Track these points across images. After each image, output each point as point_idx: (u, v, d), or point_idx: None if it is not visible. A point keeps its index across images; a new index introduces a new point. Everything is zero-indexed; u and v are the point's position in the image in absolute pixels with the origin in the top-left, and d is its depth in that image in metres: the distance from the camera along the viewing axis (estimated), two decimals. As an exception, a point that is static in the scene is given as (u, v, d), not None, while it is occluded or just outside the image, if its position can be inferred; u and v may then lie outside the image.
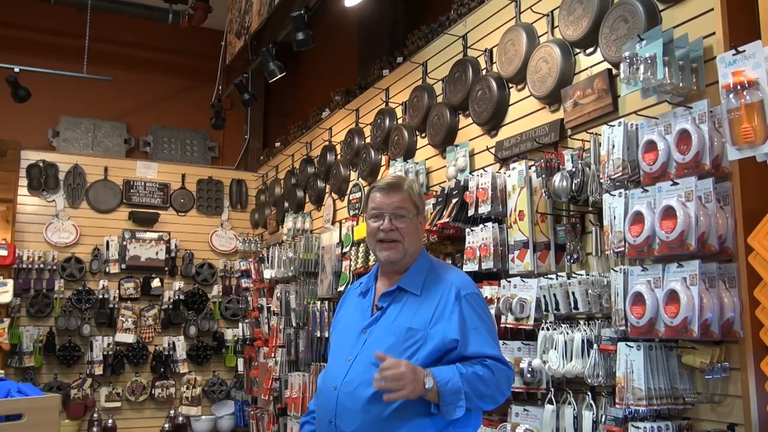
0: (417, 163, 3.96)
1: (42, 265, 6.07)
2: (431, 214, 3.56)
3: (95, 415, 6.05)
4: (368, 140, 4.71)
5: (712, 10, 2.27)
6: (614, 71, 2.68)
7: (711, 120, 2.17)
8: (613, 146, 2.46)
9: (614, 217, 2.42)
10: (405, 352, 2.03)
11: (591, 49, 2.86)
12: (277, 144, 6.59)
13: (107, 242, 6.40)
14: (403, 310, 2.14)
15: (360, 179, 4.74)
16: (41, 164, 6.30)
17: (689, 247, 2.12)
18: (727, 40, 2.15)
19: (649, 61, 2.27)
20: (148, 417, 6.36)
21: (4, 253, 5.57)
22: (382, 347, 2.06)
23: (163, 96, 7.56)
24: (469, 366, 2.02)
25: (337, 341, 2.27)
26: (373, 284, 2.28)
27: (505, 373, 2.08)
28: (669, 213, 2.17)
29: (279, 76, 5.11)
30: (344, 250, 4.60)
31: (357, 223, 4.52)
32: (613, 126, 2.48)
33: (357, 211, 4.66)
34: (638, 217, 2.29)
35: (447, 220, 3.35)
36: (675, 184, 2.20)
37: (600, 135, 2.56)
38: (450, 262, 3.51)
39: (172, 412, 6.34)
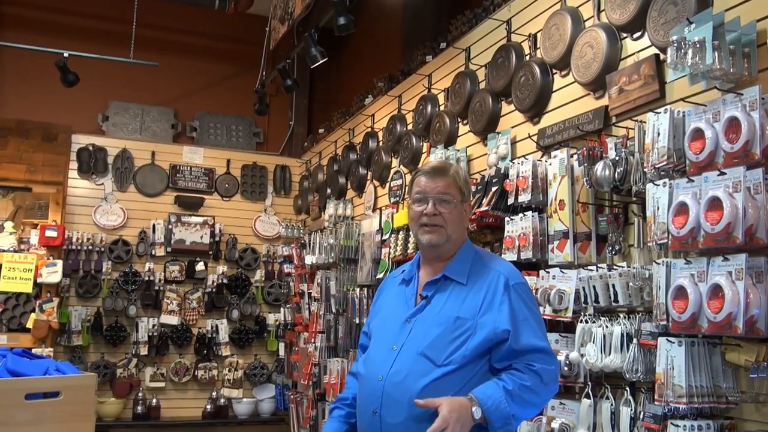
0: (458, 151, 3.90)
1: (90, 247, 6.21)
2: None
3: (140, 394, 6.19)
4: (410, 127, 4.67)
5: (767, -9, 2.17)
6: (662, 57, 2.58)
7: (762, 107, 2.07)
8: (659, 134, 2.37)
9: (658, 208, 2.33)
10: (453, 342, 1.99)
11: (638, 34, 2.76)
12: (321, 130, 6.59)
13: (153, 225, 6.52)
14: (449, 299, 2.09)
15: (401, 166, 4.70)
16: (91, 148, 6.44)
17: (736, 240, 2.03)
18: (781, 23, 2.05)
19: (698, 46, 2.17)
20: (191, 398, 6.47)
21: (54, 234, 5.70)
22: (429, 337, 2.03)
23: (209, 82, 7.63)
24: (516, 377, 1.97)
25: (379, 330, 2.21)
26: (416, 273, 2.23)
27: (554, 373, 2.04)
28: (715, 204, 2.08)
29: (321, 61, 5.10)
30: (384, 238, 4.58)
31: (397, 211, 4.49)
32: (659, 113, 2.38)
33: (398, 198, 4.63)
34: (683, 208, 2.20)
35: (486, 208, 3.29)
36: (722, 174, 2.10)
37: (645, 123, 2.47)
38: (489, 251, 3.45)
39: (214, 393, 6.44)
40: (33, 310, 5.61)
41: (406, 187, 4.66)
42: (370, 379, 2.09)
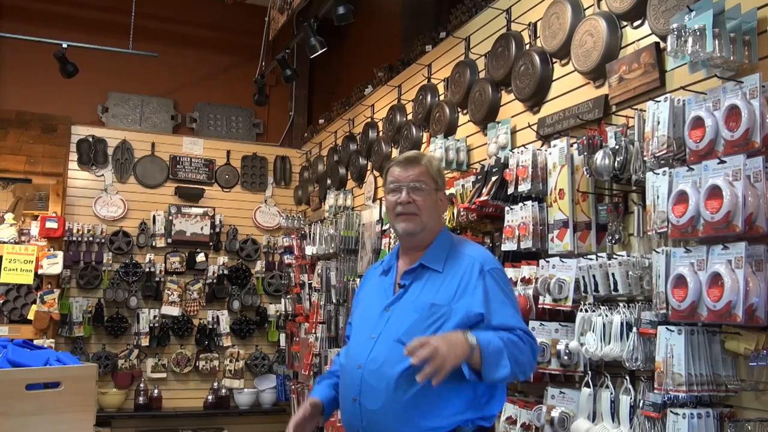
0: (458, 140, 3.89)
1: (91, 238, 6.21)
2: (470, 191, 3.50)
3: (141, 385, 6.20)
4: (410, 117, 4.66)
5: (768, -22, 2.15)
6: (662, 45, 2.57)
7: (763, 95, 2.06)
8: (659, 123, 2.36)
9: (657, 197, 2.33)
10: (429, 329, 2.02)
11: (638, 22, 2.75)
12: (321, 121, 6.58)
13: (154, 217, 6.52)
14: (425, 286, 2.12)
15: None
16: (90, 139, 6.43)
17: (735, 229, 2.02)
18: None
19: (698, 33, 2.16)
20: (193, 388, 6.49)
21: (54, 225, 5.70)
22: (405, 324, 2.06)
23: (209, 73, 7.61)
24: (504, 335, 1.98)
25: (359, 320, 2.26)
26: (395, 263, 2.27)
27: (534, 345, 2.06)
28: (715, 192, 2.08)
29: (320, 51, 5.08)
30: (384, 228, 4.58)
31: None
32: (659, 102, 2.38)
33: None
34: (682, 197, 2.19)
35: (486, 198, 3.29)
36: (722, 162, 2.10)
37: (645, 111, 2.46)
38: (489, 240, 3.46)
39: (215, 384, 6.45)
40: (34, 302, 5.62)
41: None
42: (350, 368, 2.14)
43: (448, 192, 3.76)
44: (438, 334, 1.94)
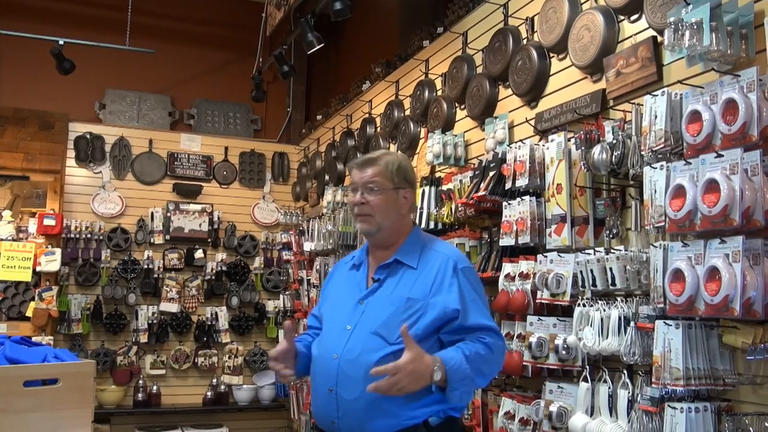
0: (456, 136, 3.89)
1: (89, 235, 6.20)
2: (468, 187, 3.50)
3: (140, 381, 6.19)
4: (407, 112, 4.66)
5: (765, -29, 2.15)
6: (659, 39, 2.57)
7: (760, 89, 2.05)
8: (656, 117, 2.36)
9: (655, 191, 2.33)
10: (405, 322, 2.07)
11: (636, 16, 2.74)
12: (319, 117, 6.57)
13: (152, 213, 6.51)
14: (401, 281, 2.19)
15: (399, 152, 4.69)
16: (88, 136, 6.41)
17: (733, 223, 2.02)
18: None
19: (695, 27, 2.15)
20: (192, 385, 6.49)
21: (52, 222, 5.70)
22: (381, 317, 2.12)
23: (206, 69, 7.60)
24: (471, 345, 2.07)
25: (331, 312, 2.30)
26: (365, 258, 2.32)
27: (502, 348, 2.18)
28: (712, 186, 2.08)
29: (317, 47, 5.07)
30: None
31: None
32: (656, 96, 2.37)
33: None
34: (680, 191, 2.19)
35: (484, 193, 3.29)
36: (719, 156, 2.10)
37: (642, 105, 2.46)
38: (487, 236, 3.46)
39: (214, 380, 6.45)
40: (32, 299, 5.62)
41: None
42: (325, 358, 2.17)
43: (445, 187, 3.78)
44: (412, 359, 1.95)
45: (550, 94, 3.24)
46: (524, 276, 3.01)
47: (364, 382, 2.02)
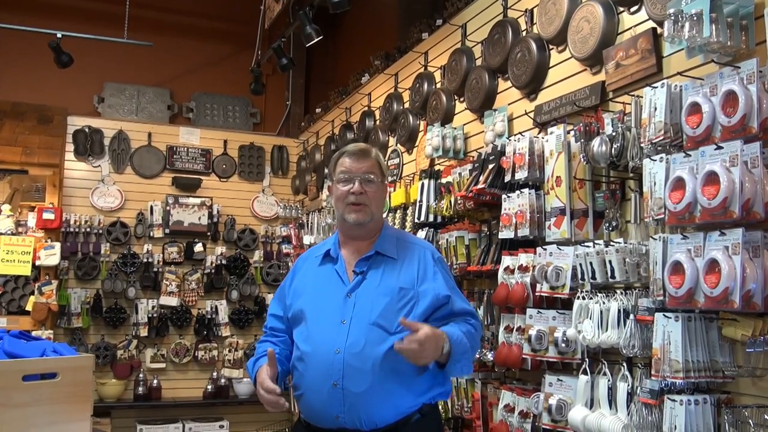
0: (455, 128, 3.88)
1: (88, 229, 6.19)
2: (467, 179, 3.49)
3: (141, 375, 6.20)
4: (407, 105, 4.64)
5: (765, -38, 2.14)
6: (659, 30, 2.55)
7: (760, 81, 2.04)
8: (655, 109, 2.35)
9: (654, 183, 2.32)
10: (401, 311, 2.16)
11: (635, 8, 2.73)
12: (318, 110, 6.56)
13: (151, 207, 6.50)
14: (385, 272, 2.25)
15: (398, 145, 4.68)
16: (87, 130, 6.40)
17: (732, 215, 2.02)
18: (779, -5, 2.02)
19: (695, 18, 2.14)
20: (192, 378, 6.49)
21: (51, 216, 5.69)
22: (377, 308, 2.17)
23: (205, 62, 7.58)
24: (462, 324, 2.20)
25: (315, 307, 2.28)
26: (339, 252, 2.35)
27: (481, 330, 2.36)
28: (712, 179, 2.07)
29: (316, 39, 5.06)
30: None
31: (394, 189, 4.48)
32: (656, 87, 2.36)
33: (395, 177, 4.62)
34: (679, 183, 2.18)
35: (483, 186, 3.28)
36: (719, 148, 2.09)
37: (642, 97, 2.45)
38: (486, 229, 3.45)
39: (214, 374, 6.46)
40: (32, 293, 5.62)
41: (395, 167, 4.64)
42: (323, 353, 2.16)
43: (445, 180, 3.78)
44: (432, 330, 2.06)
45: (550, 86, 3.23)
46: (523, 269, 3.00)
47: (373, 373, 2.08)
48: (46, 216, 5.67)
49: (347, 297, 2.23)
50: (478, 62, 3.83)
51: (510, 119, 3.46)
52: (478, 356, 3.21)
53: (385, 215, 4.48)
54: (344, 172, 2.30)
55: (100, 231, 6.26)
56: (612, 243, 2.55)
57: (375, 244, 2.31)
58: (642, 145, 2.40)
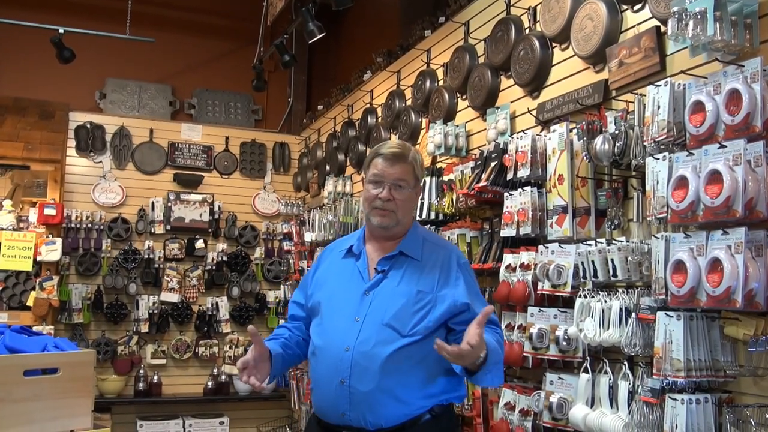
0: (457, 126, 3.87)
1: (90, 225, 6.19)
2: (470, 177, 3.49)
3: (141, 371, 6.20)
4: (409, 103, 4.64)
5: (770, -40, 2.13)
6: (663, 29, 2.55)
7: (764, 79, 2.04)
8: (659, 107, 2.34)
9: (657, 182, 2.31)
10: (416, 314, 2.12)
11: (639, 6, 2.72)
12: (320, 107, 6.55)
13: (152, 203, 6.50)
14: (406, 273, 2.21)
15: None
16: (88, 126, 6.40)
17: (735, 214, 2.01)
18: (784, -7, 2.01)
19: (699, 17, 2.14)
20: (192, 374, 6.50)
21: (53, 212, 5.69)
22: (392, 309, 2.13)
23: (207, 58, 7.57)
24: (493, 334, 2.13)
25: (332, 302, 2.26)
26: (363, 247, 2.31)
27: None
28: (715, 177, 2.06)
29: (318, 36, 5.05)
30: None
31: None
32: (659, 86, 2.35)
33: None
34: (682, 182, 2.18)
35: (485, 183, 3.27)
36: (722, 147, 2.08)
37: (645, 96, 2.44)
38: (488, 227, 3.45)
39: (215, 370, 6.46)
40: (33, 288, 5.62)
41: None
42: (334, 350, 2.15)
43: (446, 178, 3.77)
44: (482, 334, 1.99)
45: (553, 84, 3.22)
46: (525, 267, 3.00)
47: (380, 373, 2.06)
48: (48, 212, 5.67)
49: (365, 294, 2.20)
50: (481, 60, 3.82)
51: (512, 117, 3.46)
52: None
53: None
54: (376, 175, 2.24)
55: (102, 227, 6.26)
56: (614, 241, 2.55)
57: (400, 244, 2.26)
58: (645, 143, 2.40)
